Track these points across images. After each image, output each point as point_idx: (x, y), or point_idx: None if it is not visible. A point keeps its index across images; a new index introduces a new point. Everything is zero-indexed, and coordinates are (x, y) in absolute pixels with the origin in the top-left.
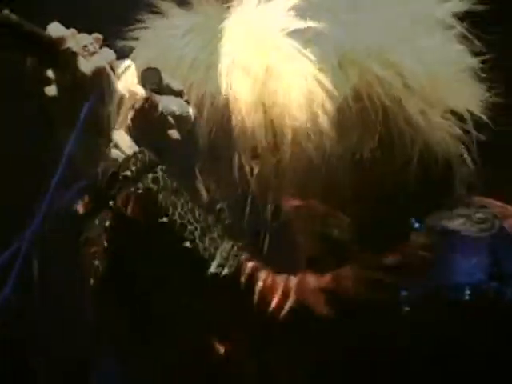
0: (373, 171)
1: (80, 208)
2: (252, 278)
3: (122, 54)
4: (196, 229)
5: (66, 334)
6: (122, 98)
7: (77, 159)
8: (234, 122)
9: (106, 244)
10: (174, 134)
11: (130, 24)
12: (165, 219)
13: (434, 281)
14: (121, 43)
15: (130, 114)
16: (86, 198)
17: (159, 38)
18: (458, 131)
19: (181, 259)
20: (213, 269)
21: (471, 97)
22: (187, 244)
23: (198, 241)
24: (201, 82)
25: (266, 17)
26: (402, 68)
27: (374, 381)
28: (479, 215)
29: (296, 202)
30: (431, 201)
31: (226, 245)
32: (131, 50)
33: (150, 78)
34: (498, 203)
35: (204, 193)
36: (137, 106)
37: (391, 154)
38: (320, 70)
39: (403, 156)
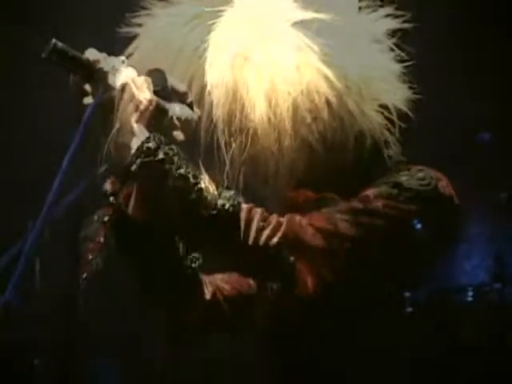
0: (322, 149)
1: (108, 186)
2: (250, 212)
3: (126, 41)
4: (204, 181)
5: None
6: (122, 91)
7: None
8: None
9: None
10: (179, 135)
11: (134, 10)
12: (181, 171)
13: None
14: (124, 29)
15: (134, 117)
16: (112, 178)
17: (161, 27)
18: (385, 121)
19: (193, 201)
20: (219, 205)
21: (396, 94)
22: (200, 185)
23: (205, 186)
24: (202, 73)
25: (269, 7)
26: (345, 71)
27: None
28: (419, 175)
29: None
30: (373, 165)
31: (227, 192)
32: (134, 36)
33: (155, 80)
34: (432, 169)
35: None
36: (142, 107)
37: (335, 135)
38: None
39: (344, 136)
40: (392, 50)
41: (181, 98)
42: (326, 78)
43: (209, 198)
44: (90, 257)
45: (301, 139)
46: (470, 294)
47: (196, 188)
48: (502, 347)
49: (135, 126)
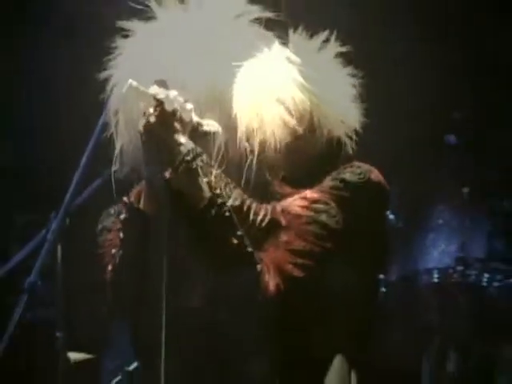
0: (301, 148)
1: (167, 174)
2: (250, 205)
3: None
4: (222, 184)
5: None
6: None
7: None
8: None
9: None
10: (207, 146)
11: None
12: (206, 179)
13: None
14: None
15: (181, 131)
16: (170, 169)
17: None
18: (344, 131)
19: (211, 200)
20: (230, 202)
21: (350, 111)
22: (217, 191)
23: (222, 190)
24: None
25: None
26: (316, 94)
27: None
28: (358, 170)
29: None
30: (332, 164)
31: (236, 190)
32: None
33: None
34: (367, 165)
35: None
36: (186, 124)
37: (310, 138)
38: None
39: (316, 140)
40: (351, 76)
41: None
42: (305, 90)
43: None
44: (113, 251)
45: (285, 144)
46: (437, 275)
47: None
48: (462, 320)
49: (182, 138)
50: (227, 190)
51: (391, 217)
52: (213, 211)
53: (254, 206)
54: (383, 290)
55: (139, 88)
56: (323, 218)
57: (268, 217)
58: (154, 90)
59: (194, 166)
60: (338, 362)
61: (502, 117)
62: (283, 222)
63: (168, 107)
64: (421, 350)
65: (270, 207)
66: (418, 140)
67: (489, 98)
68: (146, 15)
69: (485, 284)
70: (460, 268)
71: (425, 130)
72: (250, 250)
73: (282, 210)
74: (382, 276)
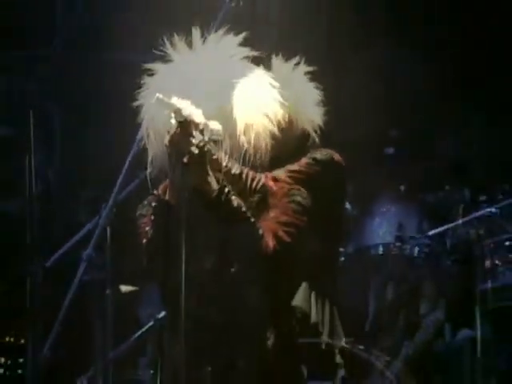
0: (283, 140)
1: (185, 159)
2: (248, 173)
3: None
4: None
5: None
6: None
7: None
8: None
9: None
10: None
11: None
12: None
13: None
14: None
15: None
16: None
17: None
18: (312, 127)
19: (220, 190)
20: (233, 171)
21: (316, 113)
22: (224, 183)
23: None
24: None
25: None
26: (292, 104)
27: None
28: (324, 152)
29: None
30: (305, 150)
31: (237, 164)
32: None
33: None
34: (329, 149)
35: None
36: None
37: (289, 133)
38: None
39: (294, 134)
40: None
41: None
42: (282, 105)
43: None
44: (147, 228)
45: (271, 139)
46: (381, 249)
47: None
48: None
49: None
50: (229, 164)
51: (348, 206)
52: (222, 197)
53: (250, 173)
54: (342, 259)
55: (164, 99)
56: (298, 198)
57: (261, 182)
58: (174, 100)
59: (206, 149)
60: (302, 289)
61: (424, 135)
62: (272, 187)
63: (184, 113)
64: (367, 292)
65: (262, 175)
66: (364, 151)
67: (416, 120)
68: (164, 58)
69: (415, 255)
70: (398, 244)
71: (370, 145)
72: (253, 220)
73: (272, 178)
74: (342, 249)
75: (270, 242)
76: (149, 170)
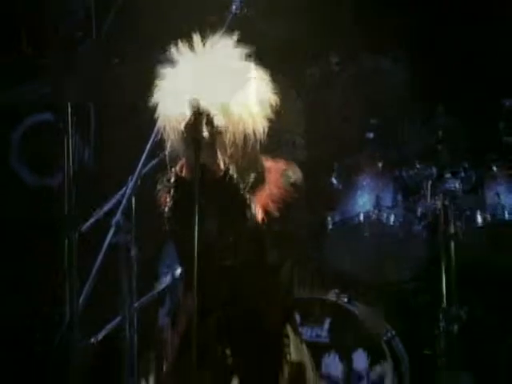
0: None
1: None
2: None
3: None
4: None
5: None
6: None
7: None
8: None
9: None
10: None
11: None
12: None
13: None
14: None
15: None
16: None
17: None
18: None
19: (226, 171)
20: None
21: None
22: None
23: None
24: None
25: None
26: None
27: None
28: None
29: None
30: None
31: (238, 149)
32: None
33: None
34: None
35: None
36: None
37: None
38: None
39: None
40: None
41: None
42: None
43: None
44: (167, 200)
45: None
46: (361, 216)
47: None
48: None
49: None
50: (232, 149)
51: (334, 181)
52: (227, 177)
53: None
54: (330, 227)
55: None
56: (290, 173)
57: (258, 163)
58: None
59: (215, 136)
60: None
61: (398, 123)
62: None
63: (199, 104)
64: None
65: (260, 158)
66: (349, 136)
67: (392, 111)
68: (172, 62)
69: (391, 223)
70: (376, 212)
71: (353, 131)
72: (248, 197)
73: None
74: (329, 218)
75: (259, 216)
76: (168, 151)
